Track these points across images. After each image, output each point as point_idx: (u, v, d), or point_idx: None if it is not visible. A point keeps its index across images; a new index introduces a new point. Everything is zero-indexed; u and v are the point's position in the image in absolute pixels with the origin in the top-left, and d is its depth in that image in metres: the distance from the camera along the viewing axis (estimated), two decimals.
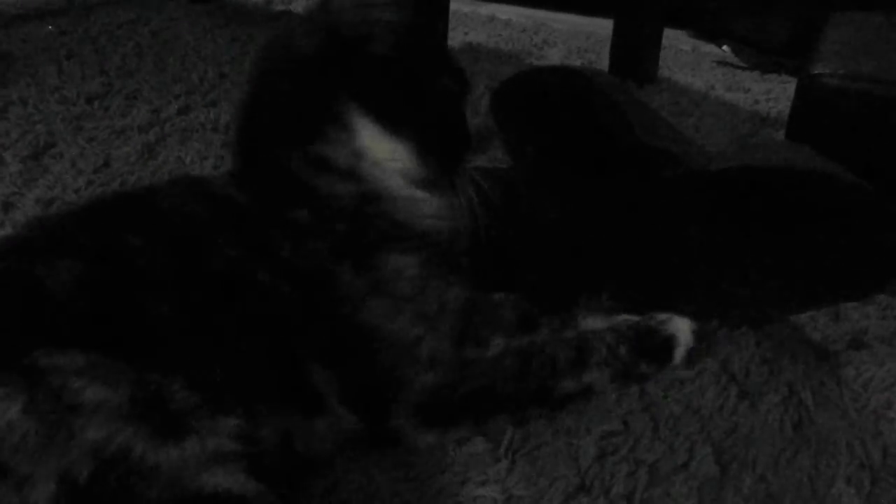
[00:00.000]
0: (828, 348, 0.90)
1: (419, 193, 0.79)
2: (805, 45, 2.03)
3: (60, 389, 0.56)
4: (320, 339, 0.72)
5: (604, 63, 1.89)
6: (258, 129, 0.80)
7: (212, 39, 1.95)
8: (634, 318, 0.85)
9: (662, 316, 0.85)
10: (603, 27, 2.22)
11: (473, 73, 1.79)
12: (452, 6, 2.00)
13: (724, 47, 2.18)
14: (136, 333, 0.65)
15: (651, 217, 0.87)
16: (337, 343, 0.72)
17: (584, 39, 2.16)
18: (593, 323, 0.87)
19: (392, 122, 0.77)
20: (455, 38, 2.05)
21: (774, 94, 1.81)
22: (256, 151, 0.80)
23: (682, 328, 0.85)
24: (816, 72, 1.12)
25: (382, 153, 0.77)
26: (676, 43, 2.17)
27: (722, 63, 2.04)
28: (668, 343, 0.84)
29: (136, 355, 0.61)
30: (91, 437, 0.55)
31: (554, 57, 2.00)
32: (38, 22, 2.03)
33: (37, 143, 1.32)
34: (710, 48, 2.22)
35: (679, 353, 0.84)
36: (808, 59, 1.22)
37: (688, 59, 2.05)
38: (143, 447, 0.56)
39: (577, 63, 1.95)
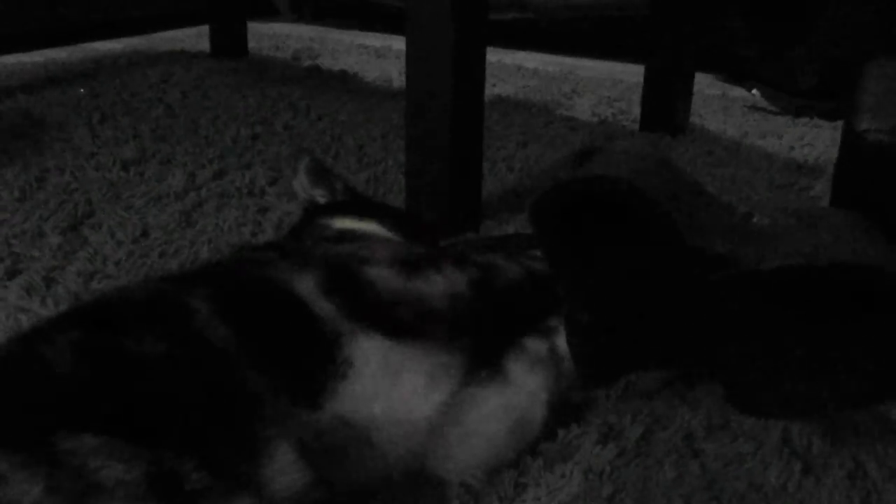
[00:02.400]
0: (892, 418, 0.88)
1: None
2: (835, 86, 2.02)
3: (80, 469, 0.56)
4: None
5: (634, 112, 1.89)
6: None
7: (242, 98, 1.97)
8: None
9: None
10: (631, 73, 2.22)
11: (505, 126, 1.79)
12: None
13: (754, 91, 2.17)
14: (146, 412, 0.64)
15: (701, 321, 0.85)
16: None
17: (614, 87, 2.16)
18: None
19: None
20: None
21: (808, 139, 1.80)
22: None
23: None
24: (863, 128, 1.10)
25: None
26: (705, 88, 2.16)
27: (753, 108, 2.03)
28: None
29: (148, 434, 0.61)
30: None
31: (584, 107, 2.00)
32: (68, 85, 2.06)
33: (75, 213, 1.32)
34: (739, 92, 2.21)
35: None
36: (850, 112, 1.20)
37: (718, 105, 2.04)
38: None
39: (608, 112, 1.95)
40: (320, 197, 1.11)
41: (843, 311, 0.80)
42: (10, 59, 2.32)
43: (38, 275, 1.14)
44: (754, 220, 0.85)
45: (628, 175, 0.79)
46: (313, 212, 1.10)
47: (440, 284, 0.82)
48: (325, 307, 0.75)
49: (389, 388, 0.74)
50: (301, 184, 1.13)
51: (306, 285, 0.76)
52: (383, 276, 0.80)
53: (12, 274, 1.15)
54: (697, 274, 0.80)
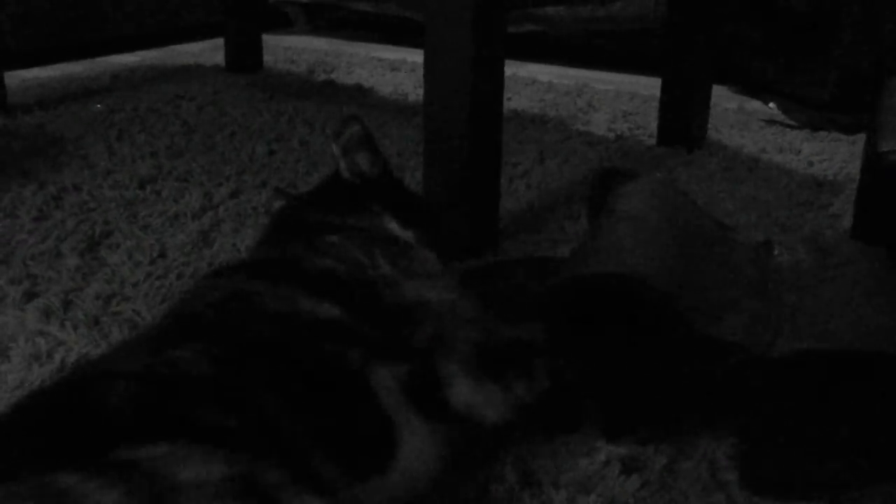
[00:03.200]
0: None
1: None
2: (854, 99, 2.01)
3: (153, 475, 0.57)
4: None
5: (651, 126, 1.88)
6: None
7: (258, 113, 1.97)
8: None
9: None
10: (647, 86, 2.21)
11: (521, 141, 1.78)
12: None
13: (771, 104, 2.16)
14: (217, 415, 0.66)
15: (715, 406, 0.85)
16: None
17: (629, 101, 2.15)
18: None
19: None
20: None
21: (827, 154, 1.79)
22: None
23: None
24: (885, 149, 1.09)
25: None
26: (721, 101, 2.15)
27: (770, 122, 2.02)
28: None
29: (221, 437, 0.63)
30: None
31: (600, 121, 1.99)
32: (84, 100, 2.06)
33: (93, 233, 1.32)
34: (755, 105, 2.20)
35: None
36: (870, 132, 1.19)
37: (735, 119, 2.03)
38: None
39: (624, 127, 1.94)
40: (363, 164, 1.06)
41: (854, 393, 0.79)
42: (27, 75, 2.33)
43: (57, 297, 1.14)
44: (776, 253, 0.84)
45: (642, 260, 0.78)
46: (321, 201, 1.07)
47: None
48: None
49: None
50: (343, 146, 1.06)
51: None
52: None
53: (30, 297, 1.15)
54: (706, 363, 0.80)
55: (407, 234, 0.99)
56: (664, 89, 1.80)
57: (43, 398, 0.70)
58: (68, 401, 0.67)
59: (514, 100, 2.13)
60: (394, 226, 0.99)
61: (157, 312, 1.11)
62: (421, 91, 2.14)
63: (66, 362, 1.00)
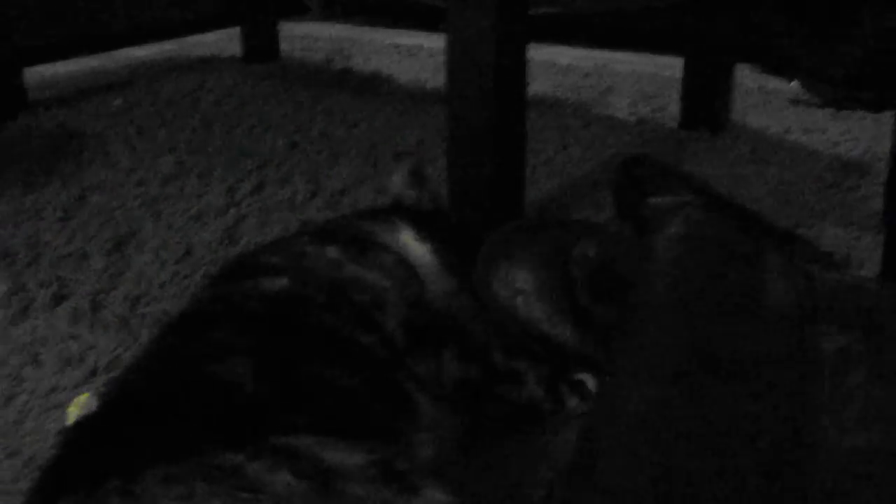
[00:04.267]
0: None
1: None
2: (879, 75, 1.98)
3: (312, 459, 0.60)
4: None
5: (672, 109, 1.86)
6: None
7: (277, 105, 1.96)
8: None
9: None
10: (667, 67, 2.19)
11: (542, 128, 1.77)
12: None
13: (794, 83, 2.13)
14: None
15: None
16: None
17: (650, 83, 2.13)
18: None
19: None
20: None
21: (853, 133, 1.76)
22: None
23: None
24: None
25: None
26: (743, 80, 2.12)
27: (794, 101, 1.99)
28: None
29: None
30: (357, 494, 0.58)
31: (621, 105, 1.97)
32: (105, 95, 2.06)
33: (118, 233, 1.32)
34: (778, 84, 2.17)
35: None
36: None
37: (757, 99, 2.01)
38: (398, 501, 0.59)
39: (646, 110, 1.92)
40: (408, 199, 1.10)
41: None
42: (45, 70, 2.33)
43: (85, 300, 1.15)
44: (822, 338, 0.76)
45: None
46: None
47: None
48: None
49: None
50: (396, 182, 1.11)
51: None
52: None
53: (59, 300, 1.15)
54: None
55: (421, 249, 0.99)
56: (686, 70, 1.78)
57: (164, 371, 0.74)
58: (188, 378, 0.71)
59: (533, 84, 2.11)
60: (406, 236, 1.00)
61: None
62: (440, 78, 2.13)
63: (98, 365, 1.01)
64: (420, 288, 0.93)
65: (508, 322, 0.92)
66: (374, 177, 1.54)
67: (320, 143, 1.72)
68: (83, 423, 0.72)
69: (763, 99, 2.00)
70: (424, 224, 1.02)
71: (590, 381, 0.89)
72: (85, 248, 1.28)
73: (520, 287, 0.92)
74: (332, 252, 0.92)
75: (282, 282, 0.85)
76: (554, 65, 2.33)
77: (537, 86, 2.12)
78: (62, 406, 0.93)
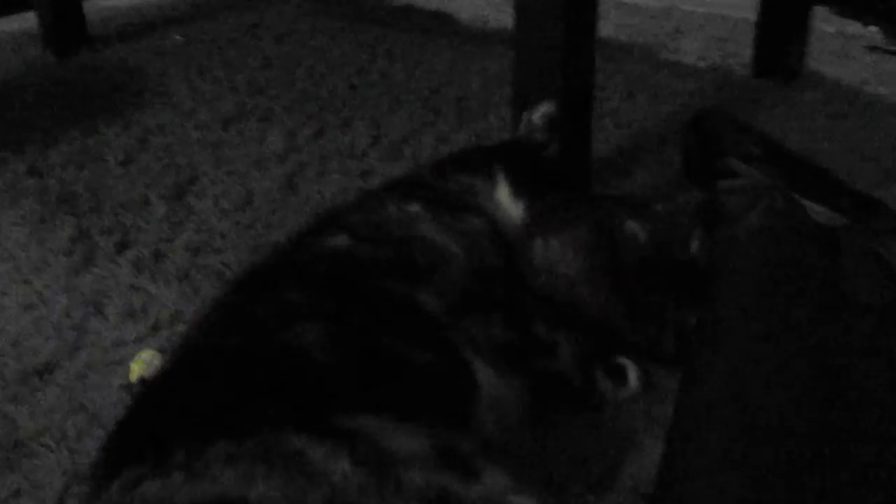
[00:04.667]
0: None
1: None
2: None
3: (373, 445, 0.60)
4: None
5: (744, 54, 1.79)
6: None
7: (336, 44, 1.93)
8: None
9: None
10: (739, 7, 2.10)
11: (608, 74, 1.72)
12: None
13: (872, 27, 2.04)
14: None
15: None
16: None
17: (721, 25, 2.06)
18: None
19: None
20: None
21: None
22: None
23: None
24: None
25: None
26: (818, 23, 2.04)
27: (872, 48, 1.91)
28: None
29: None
30: (415, 483, 0.58)
31: (690, 49, 1.90)
32: (164, 31, 2.04)
33: (179, 179, 1.32)
34: (856, 28, 2.08)
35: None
36: None
37: (834, 45, 1.93)
38: (457, 487, 0.59)
39: (717, 56, 1.86)
40: (537, 140, 1.08)
41: None
42: (105, 4, 2.31)
43: (147, 249, 1.15)
44: None
45: None
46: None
47: None
48: None
49: None
50: (530, 120, 1.10)
51: None
52: None
53: (121, 247, 1.16)
54: None
55: (514, 208, 0.97)
56: (762, 11, 1.70)
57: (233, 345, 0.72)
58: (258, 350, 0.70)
59: (599, 25, 2.05)
60: (502, 193, 0.97)
61: (246, 264, 1.11)
62: (502, 17, 2.08)
63: (160, 319, 1.01)
64: (491, 253, 0.91)
65: (555, 298, 0.89)
66: (434, 123, 1.51)
67: (381, 86, 1.69)
68: (150, 385, 0.72)
69: (840, 45, 1.92)
70: (530, 176, 0.99)
71: (632, 370, 0.88)
72: (147, 194, 1.28)
73: (564, 269, 0.89)
74: (413, 209, 0.91)
75: (347, 241, 0.84)
76: (621, 4, 2.25)
77: (603, 27, 2.05)
78: (125, 361, 0.94)
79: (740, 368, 0.68)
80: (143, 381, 0.89)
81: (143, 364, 0.91)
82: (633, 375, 0.87)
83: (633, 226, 0.88)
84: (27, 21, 2.04)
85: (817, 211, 1.22)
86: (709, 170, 1.30)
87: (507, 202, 0.96)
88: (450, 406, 0.73)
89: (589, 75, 1.23)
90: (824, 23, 2.08)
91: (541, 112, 1.09)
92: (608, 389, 0.87)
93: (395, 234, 0.87)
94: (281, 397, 0.64)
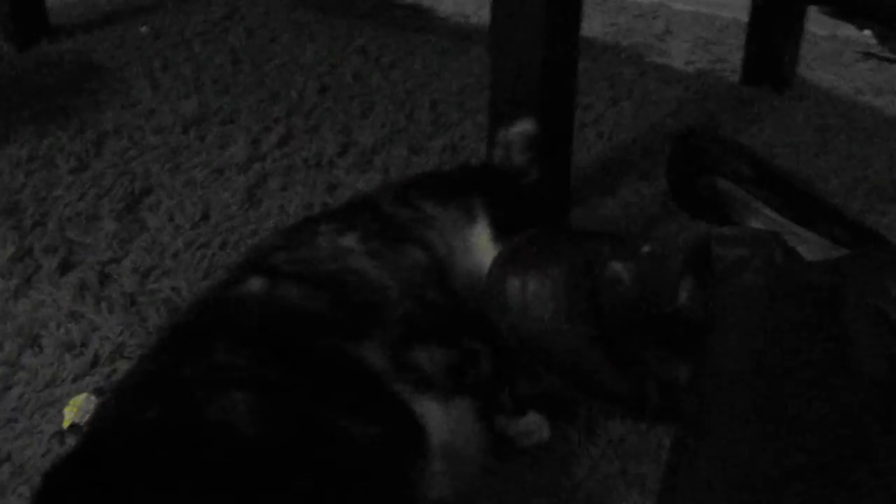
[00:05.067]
0: None
1: None
2: None
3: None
4: None
5: (733, 59, 1.73)
6: None
7: (310, 38, 1.84)
8: None
9: None
10: (730, 7, 2.03)
11: (592, 78, 1.64)
12: None
13: (866, 31, 1.97)
14: None
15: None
16: None
17: (710, 26, 1.98)
18: None
19: None
20: None
21: None
22: None
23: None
24: None
25: None
26: (810, 26, 1.97)
27: (866, 54, 1.84)
28: None
29: None
30: None
31: (679, 51, 1.83)
32: (130, 21, 1.95)
33: (133, 190, 1.24)
34: (849, 31, 2.01)
35: None
36: None
37: (826, 49, 1.86)
38: None
39: (705, 59, 1.79)
40: (514, 165, 1.00)
41: None
42: None
43: (93, 270, 1.07)
44: None
45: None
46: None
47: None
48: None
49: None
50: (507, 141, 1.00)
51: None
52: None
53: (65, 269, 1.08)
54: None
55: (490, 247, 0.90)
56: (753, 13, 1.62)
57: None
58: None
59: (584, 23, 1.97)
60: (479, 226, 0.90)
61: (197, 290, 1.04)
62: (483, 13, 2.00)
63: (100, 353, 0.94)
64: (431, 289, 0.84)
65: (529, 343, 0.82)
66: (408, 130, 1.43)
67: (353, 88, 1.61)
68: (65, 468, 0.64)
69: (833, 49, 1.85)
70: (510, 213, 0.92)
71: (544, 429, 0.83)
72: (97, 207, 1.20)
73: (540, 311, 0.81)
74: (348, 241, 0.84)
75: (264, 285, 0.77)
76: (605, 1, 2.18)
77: (587, 26, 1.98)
78: (59, 402, 0.87)
79: (736, 447, 0.62)
80: (74, 427, 0.83)
81: (76, 409, 0.84)
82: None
83: (616, 267, 0.80)
84: None
85: (812, 241, 1.16)
86: (696, 190, 1.23)
87: (483, 244, 0.89)
88: (392, 482, 0.66)
89: (572, 81, 1.16)
90: (816, 25, 2.01)
91: (518, 130, 1.01)
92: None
93: (326, 272, 0.80)
94: (208, 483, 0.58)
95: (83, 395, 0.85)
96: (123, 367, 0.91)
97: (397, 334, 0.75)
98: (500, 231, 0.90)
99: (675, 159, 1.24)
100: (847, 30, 2.01)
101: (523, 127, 1.01)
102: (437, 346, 0.78)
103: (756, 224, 1.19)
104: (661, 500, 0.64)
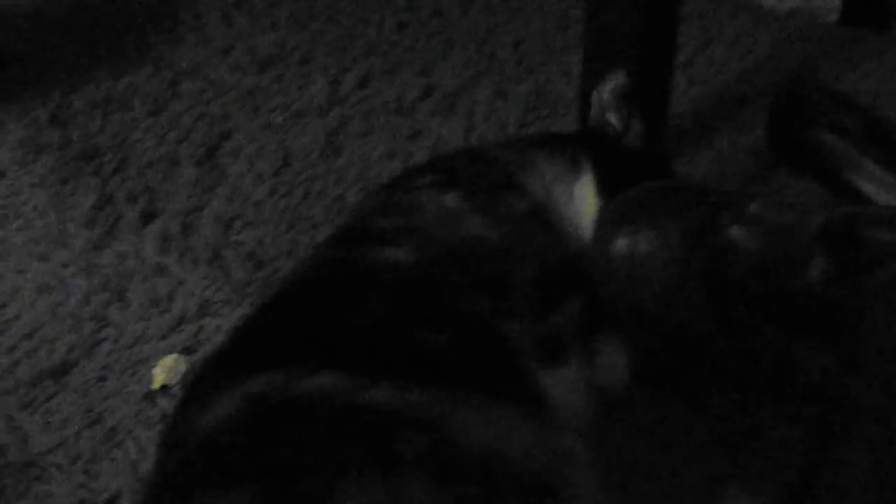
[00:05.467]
0: None
1: None
2: None
3: None
4: None
5: (835, 1, 1.63)
6: None
7: None
8: None
9: None
10: None
11: (682, 19, 1.56)
12: None
13: None
14: None
15: None
16: None
17: None
18: None
19: None
20: None
21: None
22: None
23: None
24: None
25: None
26: None
27: None
28: None
29: None
30: None
31: None
32: None
33: (211, 133, 1.21)
34: None
35: None
36: None
37: None
38: None
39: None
40: (611, 125, 0.95)
41: None
42: None
43: (175, 220, 1.05)
44: None
45: None
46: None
47: None
48: None
49: None
50: (601, 100, 0.94)
51: None
52: None
53: (147, 218, 1.06)
54: None
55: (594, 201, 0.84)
56: None
57: None
58: None
59: None
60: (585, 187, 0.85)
61: (281, 243, 1.02)
62: None
63: (186, 309, 0.92)
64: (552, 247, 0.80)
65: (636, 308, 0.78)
66: (490, 73, 1.38)
67: (431, 25, 1.55)
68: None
69: None
70: (617, 175, 0.87)
71: None
72: (176, 152, 1.18)
73: (651, 275, 0.76)
74: (451, 201, 0.80)
75: (402, 255, 0.73)
76: None
77: None
78: (148, 361, 0.85)
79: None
80: (164, 388, 0.81)
81: (165, 370, 0.82)
82: None
83: (737, 232, 0.75)
84: None
85: None
86: (798, 144, 1.17)
87: (587, 198, 0.84)
88: None
89: (673, 28, 1.09)
90: None
91: (611, 86, 0.95)
92: None
93: (443, 237, 0.77)
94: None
95: (172, 356, 0.84)
96: (210, 325, 0.89)
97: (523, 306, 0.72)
98: (605, 186, 0.85)
99: (778, 110, 1.18)
100: None
101: (615, 82, 0.95)
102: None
103: (864, 183, 1.13)
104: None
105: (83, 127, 1.23)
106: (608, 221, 0.80)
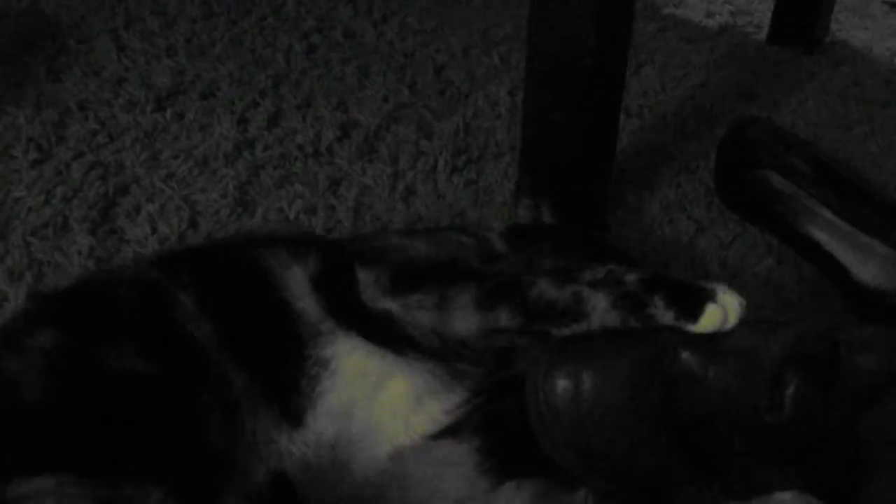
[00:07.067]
0: None
1: None
2: None
3: None
4: None
5: (757, 14, 1.58)
6: None
7: None
8: None
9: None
10: None
11: None
12: None
13: None
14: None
15: None
16: None
17: None
18: None
19: None
20: None
21: None
22: None
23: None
24: None
25: None
26: None
27: (893, 5, 1.71)
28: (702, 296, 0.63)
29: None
30: None
31: (698, 7, 1.68)
32: None
33: (106, 190, 1.08)
34: None
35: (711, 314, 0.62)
36: None
37: (853, 1, 1.72)
38: None
39: (726, 14, 1.64)
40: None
41: None
42: None
43: None
44: None
45: None
46: None
47: None
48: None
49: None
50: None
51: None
52: None
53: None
54: None
55: None
56: None
57: None
58: None
59: None
60: None
61: None
62: None
63: None
64: None
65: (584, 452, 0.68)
66: (413, 106, 1.28)
67: (345, 48, 1.44)
68: None
69: (862, 2, 1.71)
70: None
71: None
72: (66, 214, 1.04)
73: (601, 416, 0.66)
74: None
75: None
76: None
77: None
78: None
79: None
80: None
81: None
82: None
83: (691, 361, 0.65)
84: None
85: (880, 254, 1.04)
86: (746, 187, 1.11)
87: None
88: None
89: (622, 72, 1.01)
90: None
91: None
92: None
93: None
94: None
95: None
96: None
97: None
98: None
99: (726, 152, 1.11)
100: None
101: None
102: None
103: (816, 231, 1.07)
104: None
105: None
106: (543, 363, 0.69)
